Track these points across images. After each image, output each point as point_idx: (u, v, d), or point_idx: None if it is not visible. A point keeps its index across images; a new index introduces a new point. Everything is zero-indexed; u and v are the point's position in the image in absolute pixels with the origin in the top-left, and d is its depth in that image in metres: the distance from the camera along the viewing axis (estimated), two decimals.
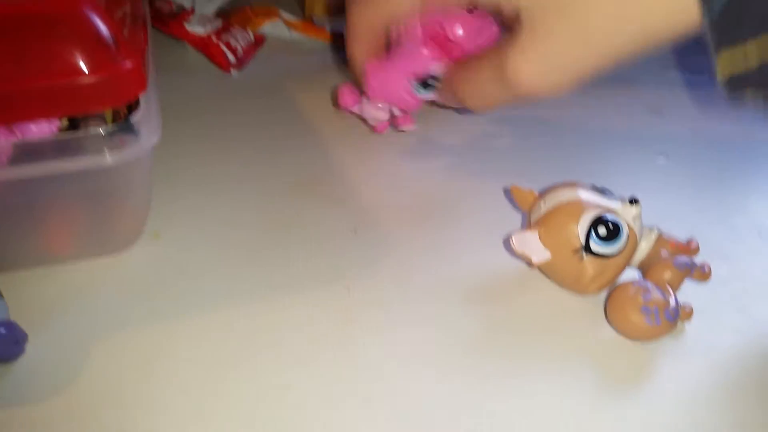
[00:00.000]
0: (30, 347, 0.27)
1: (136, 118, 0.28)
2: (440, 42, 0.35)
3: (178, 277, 0.31)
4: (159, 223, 0.33)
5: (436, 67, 0.35)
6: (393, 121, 0.38)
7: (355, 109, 0.38)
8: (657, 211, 0.33)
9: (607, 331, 0.28)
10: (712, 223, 0.34)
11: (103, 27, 0.27)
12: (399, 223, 0.34)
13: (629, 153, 0.39)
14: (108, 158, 0.27)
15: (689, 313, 0.28)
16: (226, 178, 0.36)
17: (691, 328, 0.28)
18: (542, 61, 0.28)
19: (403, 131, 0.39)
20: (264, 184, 0.36)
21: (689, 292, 0.29)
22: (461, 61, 0.33)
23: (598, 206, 0.28)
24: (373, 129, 0.39)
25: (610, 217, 0.27)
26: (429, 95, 0.36)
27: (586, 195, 0.28)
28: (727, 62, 0.24)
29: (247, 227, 0.33)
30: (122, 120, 0.28)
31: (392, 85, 0.36)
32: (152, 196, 0.34)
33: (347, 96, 0.38)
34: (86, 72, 0.26)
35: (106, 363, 0.27)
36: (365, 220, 0.34)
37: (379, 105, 0.37)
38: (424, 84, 0.35)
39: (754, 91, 0.24)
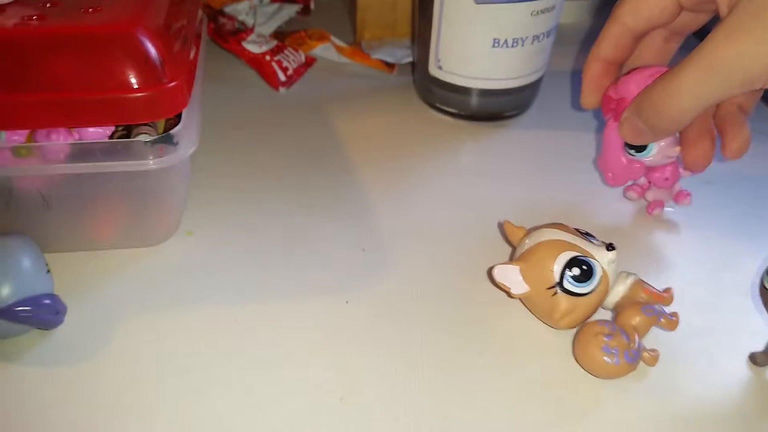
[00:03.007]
0: (67, 318, 0.31)
1: (176, 130, 0.32)
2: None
3: (200, 272, 0.35)
4: (193, 223, 0.37)
5: None
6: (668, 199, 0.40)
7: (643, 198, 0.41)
8: (652, 257, 0.36)
9: (573, 364, 0.30)
10: (701, 276, 0.36)
11: (152, 49, 0.31)
12: (404, 246, 0.37)
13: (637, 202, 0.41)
14: (150, 163, 0.31)
15: (654, 357, 0.30)
16: (258, 189, 0.40)
17: (656, 372, 0.30)
18: (761, 47, 0.27)
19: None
20: (290, 197, 0.40)
21: (663, 339, 0.31)
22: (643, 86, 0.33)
23: (576, 248, 0.30)
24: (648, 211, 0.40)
25: (584, 259, 0.30)
26: (648, 155, 0.37)
27: (567, 237, 0.31)
28: None
29: (269, 235, 0.37)
30: (165, 131, 0.32)
31: (617, 166, 0.38)
32: (190, 198, 0.39)
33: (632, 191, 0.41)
34: (135, 88, 0.30)
35: (129, 339, 0.31)
36: (375, 240, 0.37)
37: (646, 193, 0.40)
38: (636, 147, 0.37)
39: None
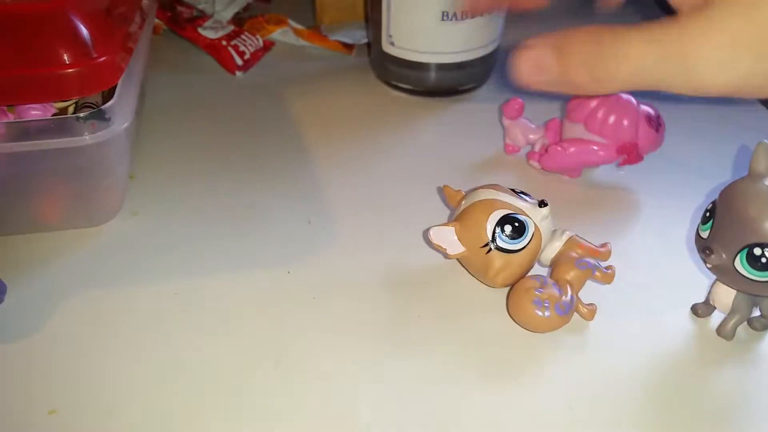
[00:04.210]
0: (8, 298, 0.31)
1: (108, 105, 0.32)
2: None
3: (144, 250, 0.35)
4: (139, 204, 0.37)
5: None
6: (528, 155, 0.41)
7: (505, 122, 0.41)
8: (600, 221, 0.35)
9: (508, 322, 0.30)
10: (647, 235, 0.36)
11: (81, 26, 0.31)
12: (351, 217, 0.37)
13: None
14: (85, 139, 0.31)
15: (592, 312, 0.30)
16: (208, 170, 0.40)
17: (594, 326, 0.30)
18: (732, 44, 0.23)
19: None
20: (240, 177, 0.40)
21: (607, 296, 0.31)
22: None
23: (508, 206, 0.30)
24: (505, 147, 0.41)
25: (516, 216, 0.30)
26: None
27: (501, 196, 0.31)
28: None
29: (215, 213, 0.37)
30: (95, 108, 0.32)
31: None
32: (137, 181, 0.39)
33: (511, 110, 0.40)
34: (65, 64, 0.31)
35: (71, 317, 0.31)
36: (323, 213, 0.37)
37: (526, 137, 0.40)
38: None
39: None
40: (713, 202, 0.28)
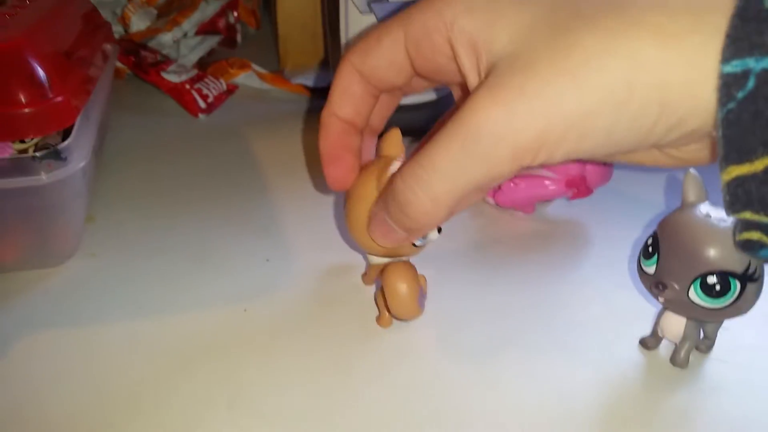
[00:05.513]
0: None
1: (64, 145, 0.32)
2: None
3: (101, 291, 0.34)
4: (97, 245, 0.37)
5: None
6: None
7: None
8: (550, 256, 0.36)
9: (467, 358, 0.30)
10: (599, 267, 0.36)
11: (39, 69, 0.31)
12: (310, 255, 0.37)
13: None
14: (42, 178, 0.31)
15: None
16: (168, 211, 0.40)
17: (549, 358, 0.31)
18: (534, 103, 0.21)
19: None
20: (199, 217, 0.40)
21: (562, 329, 0.31)
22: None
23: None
24: None
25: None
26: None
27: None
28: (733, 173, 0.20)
29: (173, 253, 0.37)
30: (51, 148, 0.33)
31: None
32: (96, 222, 0.39)
33: None
34: (21, 103, 0.31)
35: (25, 358, 0.30)
36: (281, 251, 0.37)
37: None
38: None
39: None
40: (653, 236, 0.29)
